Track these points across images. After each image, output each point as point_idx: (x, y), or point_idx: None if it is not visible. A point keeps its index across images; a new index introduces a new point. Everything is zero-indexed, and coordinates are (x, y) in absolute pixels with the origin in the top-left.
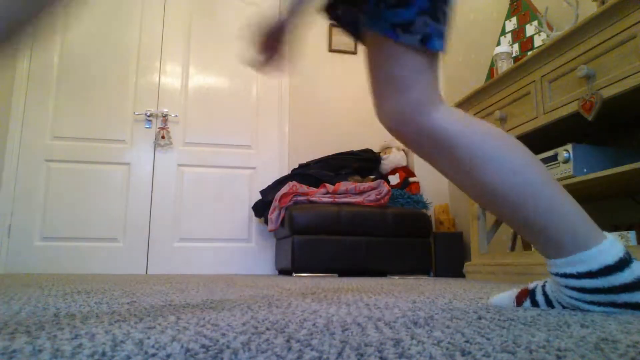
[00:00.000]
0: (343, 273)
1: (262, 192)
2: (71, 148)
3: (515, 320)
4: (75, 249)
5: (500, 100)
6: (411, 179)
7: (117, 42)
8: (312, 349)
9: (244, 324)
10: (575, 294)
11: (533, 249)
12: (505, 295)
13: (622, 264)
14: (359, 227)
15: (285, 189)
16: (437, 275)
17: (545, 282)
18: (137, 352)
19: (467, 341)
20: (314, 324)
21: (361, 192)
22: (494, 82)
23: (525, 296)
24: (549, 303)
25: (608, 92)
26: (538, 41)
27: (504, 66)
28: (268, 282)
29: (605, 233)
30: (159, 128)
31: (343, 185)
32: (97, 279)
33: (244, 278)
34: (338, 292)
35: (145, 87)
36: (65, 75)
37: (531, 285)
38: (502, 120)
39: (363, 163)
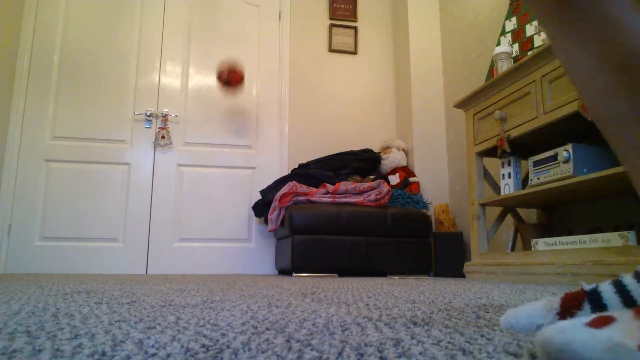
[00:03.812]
0: (343, 273)
1: (262, 192)
2: (71, 148)
3: None
4: (75, 249)
5: (500, 100)
6: (411, 179)
7: (117, 42)
8: (312, 349)
9: (243, 324)
10: None
11: (533, 248)
12: (534, 308)
13: None
14: (359, 227)
15: (285, 189)
16: (437, 275)
17: (620, 277)
18: (137, 352)
19: (467, 341)
20: (314, 324)
21: (361, 192)
22: (494, 82)
23: (579, 301)
24: (629, 300)
25: None
26: (538, 41)
27: (504, 66)
28: (268, 282)
29: None
30: (159, 128)
31: (343, 185)
32: (97, 279)
33: (244, 278)
34: (338, 292)
35: (145, 87)
36: (65, 75)
37: (589, 286)
38: (502, 120)
39: (363, 163)
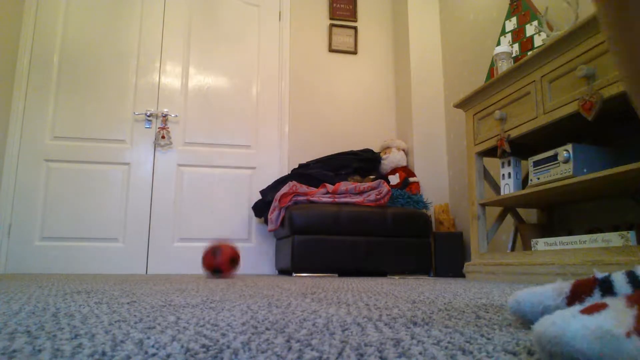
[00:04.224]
0: (343, 273)
1: (262, 192)
2: (71, 148)
3: (513, 319)
4: (75, 249)
5: (500, 100)
6: (411, 179)
7: (117, 42)
8: (312, 349)
9: (243, 324)
10: None
11: (533, 248)
12: (544, 290)
13: None
14: (359, 227)
15: (285, 189)
16: (437, 275)
17: (633, 269)
18: (137, 352)
19: (467, 341)
20: (313, 324)
21: (361, 192)
22: (494, 82)
23: (590, 287)
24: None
25: (608, 92)
26: (538, 41)
27: (504, 66)
28: (268, 282)
29: None
30: (159, 128)
31: (343, 185)
32: (97, 279)
33: (244, 278)
34: (338, 292)
35: (145, 87)
36: (65, 76)
37: (601, 274)
38: (502, 120)
39: (363, 163)
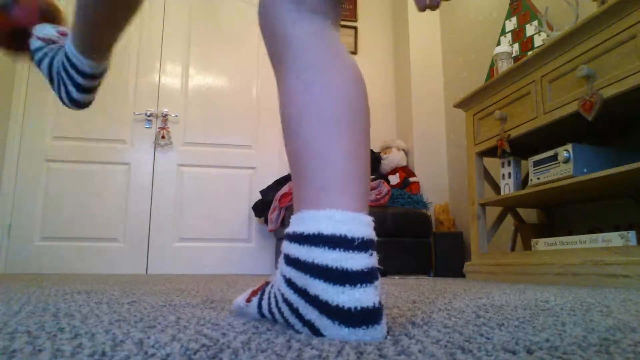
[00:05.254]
0: None
1: (262, 192)
2: (71, 148)
3: (513, 319)
4: (75, 249)
5: (500, 100)
6: (411, 179)
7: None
8: (312, 348)
9: (244, 324)
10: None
11: (533, 248)
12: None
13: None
14: None
15: (285, 189)
16: (437, 275)
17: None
18: (136, 352)
19: (466, 340)
20: None
21: None
22: (494, 82)
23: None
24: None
25: (608, 92)
26: (538, 41)
27: (504, 66)
28: None
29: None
30: (159, 128)
31: None
32: (97, 279)
33: (244, 278)
34: None
35: (145, 87)
36: None
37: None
38: (502, 120)
39: None
